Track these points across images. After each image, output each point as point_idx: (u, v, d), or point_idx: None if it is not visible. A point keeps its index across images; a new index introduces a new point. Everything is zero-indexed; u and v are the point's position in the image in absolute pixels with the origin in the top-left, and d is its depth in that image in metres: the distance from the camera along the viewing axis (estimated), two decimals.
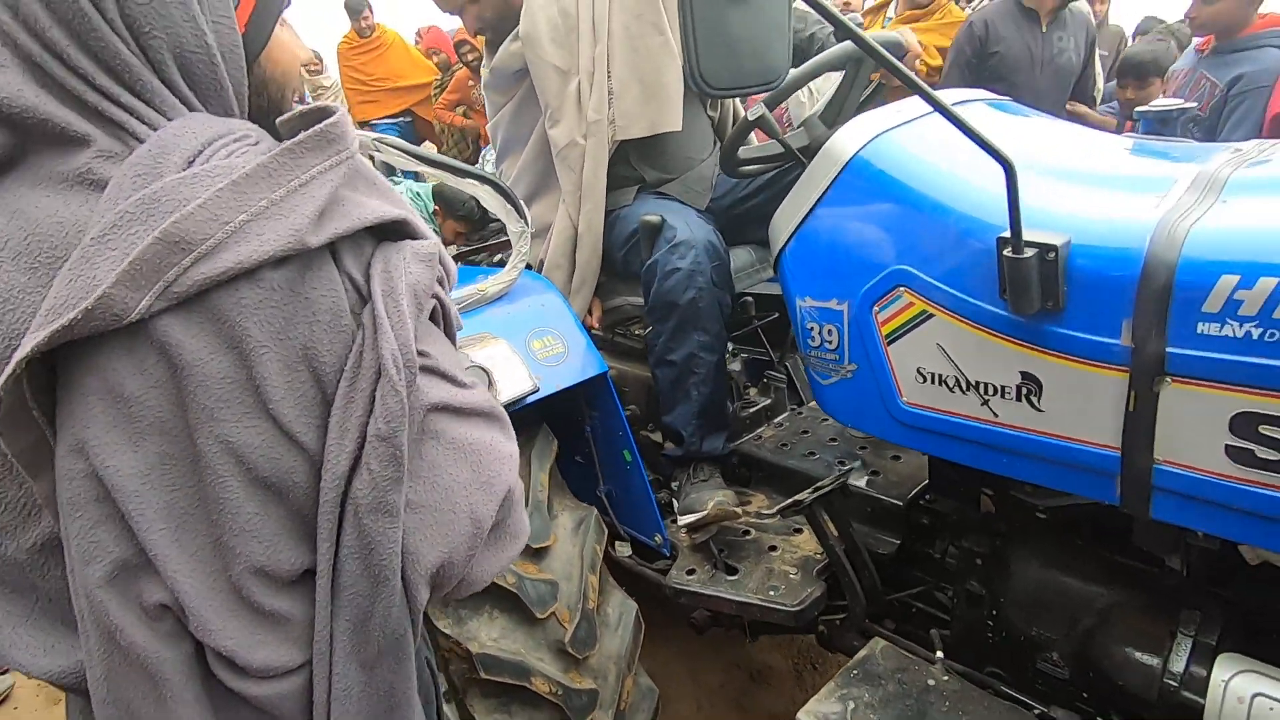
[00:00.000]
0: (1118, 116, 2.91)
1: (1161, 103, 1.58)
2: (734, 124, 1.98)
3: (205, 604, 0.55)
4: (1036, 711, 1.19)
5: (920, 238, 1.10)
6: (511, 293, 1.56)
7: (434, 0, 1.76)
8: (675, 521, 1.68)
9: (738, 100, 2.00)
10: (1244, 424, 0.83)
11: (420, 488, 0.60)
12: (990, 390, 1.06)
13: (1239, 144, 1.07)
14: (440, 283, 0.65)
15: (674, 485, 1.73)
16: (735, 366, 1.98)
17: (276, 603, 0.57)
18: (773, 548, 1.59)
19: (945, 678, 1.24)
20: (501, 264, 2.07)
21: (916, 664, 1.27)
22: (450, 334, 0.69)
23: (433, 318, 0.66)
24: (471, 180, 1.49)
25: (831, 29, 1.62)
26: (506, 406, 1.41)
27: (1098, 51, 3.10)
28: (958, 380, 1.10)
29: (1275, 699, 0.92)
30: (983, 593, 1.33)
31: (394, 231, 0.62)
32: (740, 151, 1.53)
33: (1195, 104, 1.84)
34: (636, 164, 1.83)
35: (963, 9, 3.32)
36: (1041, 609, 1.24)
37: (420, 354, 0.60)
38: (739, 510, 1.60)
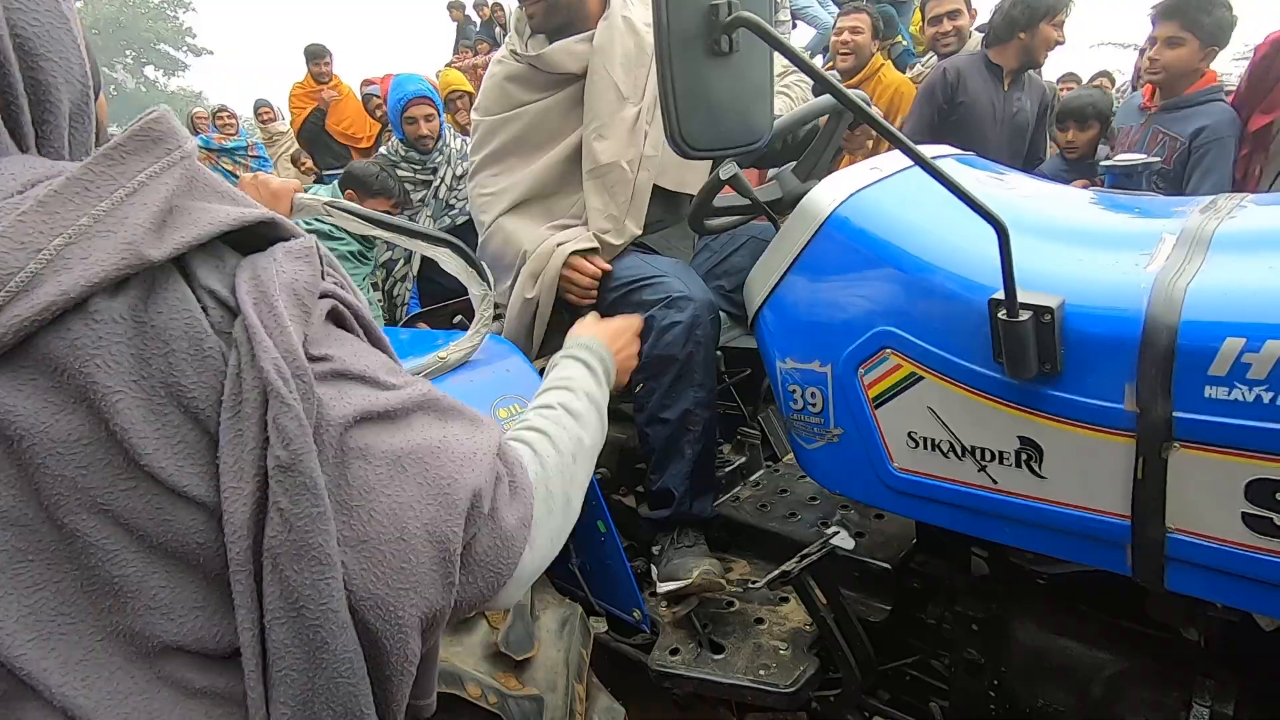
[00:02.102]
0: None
1: (1125, 157, 1.61)
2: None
3: (111, 713, 0.44)
4: None
5: (905, 298, 1.06)
6: (474, 359, 1.47)
7: None
8: (654, 593, 1.58)
9: None
10: (1260, 491, 0.79)
11: (356, 521, 0.50)
12: (988, 456, 1.01)
13: (1212, 197, 1.07)
14: (338, 284, 0.56)
15: (655, 549, 1.64)
16: None
17: (208, 680, 0.47)
18: (759, 620, 1.50)
19: None
20: (462, 327, 1.99)
21: None
22: (373, 338, 0.59)
23: (340, 323, 0.56)
24: (428, 243, 1.41)
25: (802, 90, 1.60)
26: None
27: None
28: (952, 445, 1.05)
29: None
30: (982, 661, 1.27)
31: (262, 240, 0.53)
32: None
33: (1159, 158, 1.90)
34: None
35: (914, 71, 3.41)
36: (1046, 678, 1.18)
37: (318, 359, 0.51)
38: (723, 581, 1.51)
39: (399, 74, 3.59)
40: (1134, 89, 2.96)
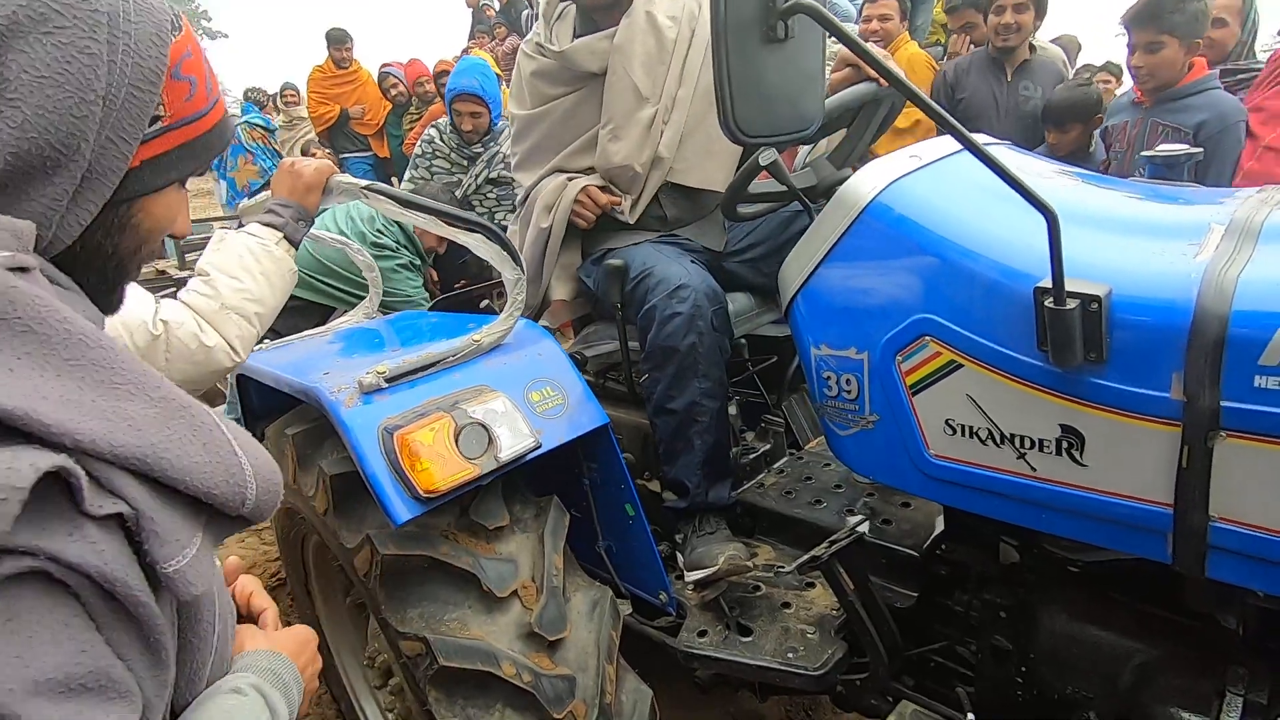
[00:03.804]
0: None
1: (1168, 147, 1.60)
2: None
3: None
4: None
5: (946, 285, 1.06)
6: (505, 343, 1.48)
7: None
8: (680, 577, 1.60)
9: None
10: None
11: None
12: (1027, 443, 1.02)
13: (1260, 187, 1.07)
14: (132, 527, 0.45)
15: (678, 538, 1.65)
16: (731, 410, 1.92)
17: None
18: (786, 604, 1.51)
19: None
20: (491, 311, 2.00)
21: None
22: (135, 632, 0.47)
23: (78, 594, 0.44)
24: (461, 228, 1.42)
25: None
26: (508, 465, 1.32)
27: None
28: (990, 433, 1.05)
29: None
30: (1010, 648, 1.28)
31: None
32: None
33: (1201, 149, 1.88)
34: (664, 200, 1.80)
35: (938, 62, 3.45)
36: (1075, 665, 1.19)
37: None
38: (750, 564, 1.52)
39: (467, 58, 3.57)
40: None
